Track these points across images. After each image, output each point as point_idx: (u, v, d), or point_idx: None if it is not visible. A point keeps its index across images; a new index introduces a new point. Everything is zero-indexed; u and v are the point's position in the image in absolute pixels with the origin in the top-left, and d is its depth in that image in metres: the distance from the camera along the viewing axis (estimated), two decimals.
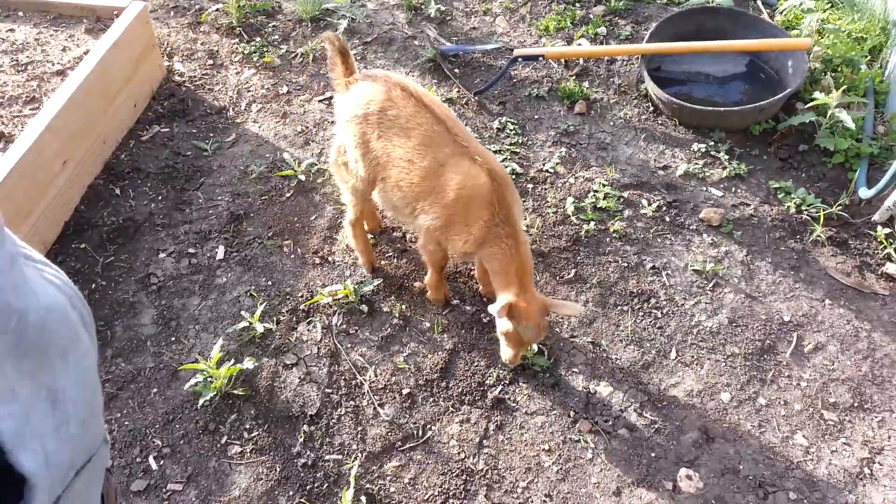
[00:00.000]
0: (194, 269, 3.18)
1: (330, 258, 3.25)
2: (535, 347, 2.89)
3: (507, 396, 2.80)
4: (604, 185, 3.53)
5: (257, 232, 3.34)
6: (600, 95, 4.06)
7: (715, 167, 3.66)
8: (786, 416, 2.75)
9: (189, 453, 2.62)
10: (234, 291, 3.11)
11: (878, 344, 2.96)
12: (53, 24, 4.01)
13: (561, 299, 3.07)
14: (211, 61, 4.19)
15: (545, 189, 3.55)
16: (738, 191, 3.55)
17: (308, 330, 2.99)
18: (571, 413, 2.75)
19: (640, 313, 3.07)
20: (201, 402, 2.69)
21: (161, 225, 3.35)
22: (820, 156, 3.68)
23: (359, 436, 2.68)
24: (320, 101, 3.99)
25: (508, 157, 3.66)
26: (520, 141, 3.77)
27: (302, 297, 3.09)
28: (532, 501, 2.52)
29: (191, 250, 3.25)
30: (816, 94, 3.53)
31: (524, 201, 3.45)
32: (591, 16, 4.54)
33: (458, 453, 2.64)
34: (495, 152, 3.64)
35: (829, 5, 4.40)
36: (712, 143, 3.77)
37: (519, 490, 2.55)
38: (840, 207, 3.39)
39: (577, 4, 4.63)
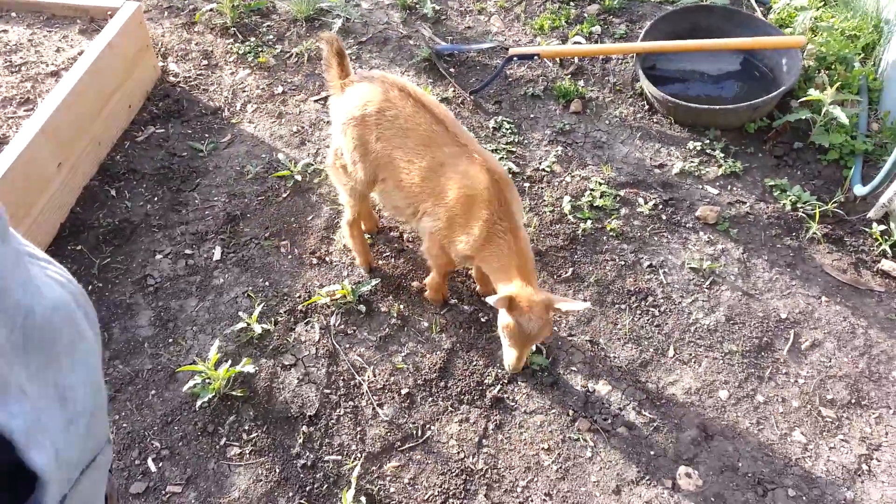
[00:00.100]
0: (191, 271, 3.17)
1: (327, 258, 3.24)
2: (533, 347, 2.88)
3: (505, 396, 2.80)
4: (600, 184, 3.53)
5: (254, 232, 3.33)
6: (596, 94, 4.07)
7: (710, 165, 3.67)
8: (784, 414, 2.76)
9: (188, 455, 2.61)
10: (232, 292, 3.10)
11: (874, 340, 2.97)
12: (47, 24, 3.99)
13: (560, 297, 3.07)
14: (205, 62, 4.18)
15: (542, 188, 3.55)
16: (734, 189, 3.57)
17: (306, 330, 2.98)
18: (570, 412, 2.75)
19: (638, 311, 3.08)
20: (199, 403, 2.68)
21: (157, 226, 3.34)
22: (815, 153, 3.70)
23: (358, 436, 2.68)
24: (316, 100, 3.98)
25: (505, 156, 3.66)
26: (516, 140, 3.78)
27: (300, 297, 3.08)
28: (532, 500, 2.53)
29: (187, 251, 3.24)
30: (811, 92, 3.54)
31: (521, 200, 3.45)
32: (586, 14, 4.54)
33: (458, 453, 2.64)
34: (491, 151, 3.65)
35: (823, 3, 4.42)
36: (707, 141, 3.78)
37: (519, 489, 2.55)
38: (835, 205, 3.41)
39: (572, 3, 4.64)
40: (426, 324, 3.02)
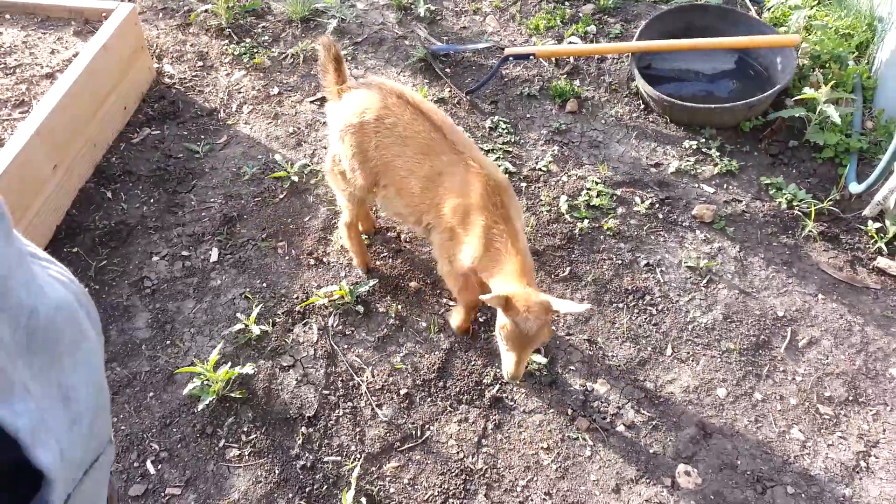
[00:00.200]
0: (188, 272, 3.17)
1: (325, 259, 3.24)
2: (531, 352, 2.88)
3: (504, 395, 2.80)
4: (597, 183, 3.54)
5: (251, 234, 3.33)
6: (591, 94, 4.08)
7: (706, 164, 3.68)
8: (782, 411, 2.77)
9: (187, 457, 2.61)
10: (229, 294, 3.10)
11: (871, 337, 2.99)
12: (41, 26, 3.97)
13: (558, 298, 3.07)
14: (201, 63, 4.17)
15: (538, 188, 3.55)
16: (730, 187, 3.58)
17: (304, 331, 2.98)
18: (569, 411, 2.76)
19: (636, 310, 3.09)
20: (200, 406, 2.67)
21: (154, 228, 3.33)
22: (810, 151, 3.71)
23: (357, 437, 2.67)
24: (311, 101, 3.98)
25: (501, 156, 3.66)
26: (512, 140, 3.78)
27: (297, 298, 3.08)
28: (532, 500, 2.53)
29: (184, 253, 3.24)
30: (806, 90, 3.56)
31: (519, 205, 3.46)
32: (581, 14, 4.55)
33: (457, 453, 2.64)
34: (488, 151, 3.65)
35: (816, 2, 4.44)
36: (703, 140, 3.79)
37: (518, 489, 2.55)
38: (831, 203, 3.42)
39: (567, 3, 4.64)
40: (424, 324, 3.02)
